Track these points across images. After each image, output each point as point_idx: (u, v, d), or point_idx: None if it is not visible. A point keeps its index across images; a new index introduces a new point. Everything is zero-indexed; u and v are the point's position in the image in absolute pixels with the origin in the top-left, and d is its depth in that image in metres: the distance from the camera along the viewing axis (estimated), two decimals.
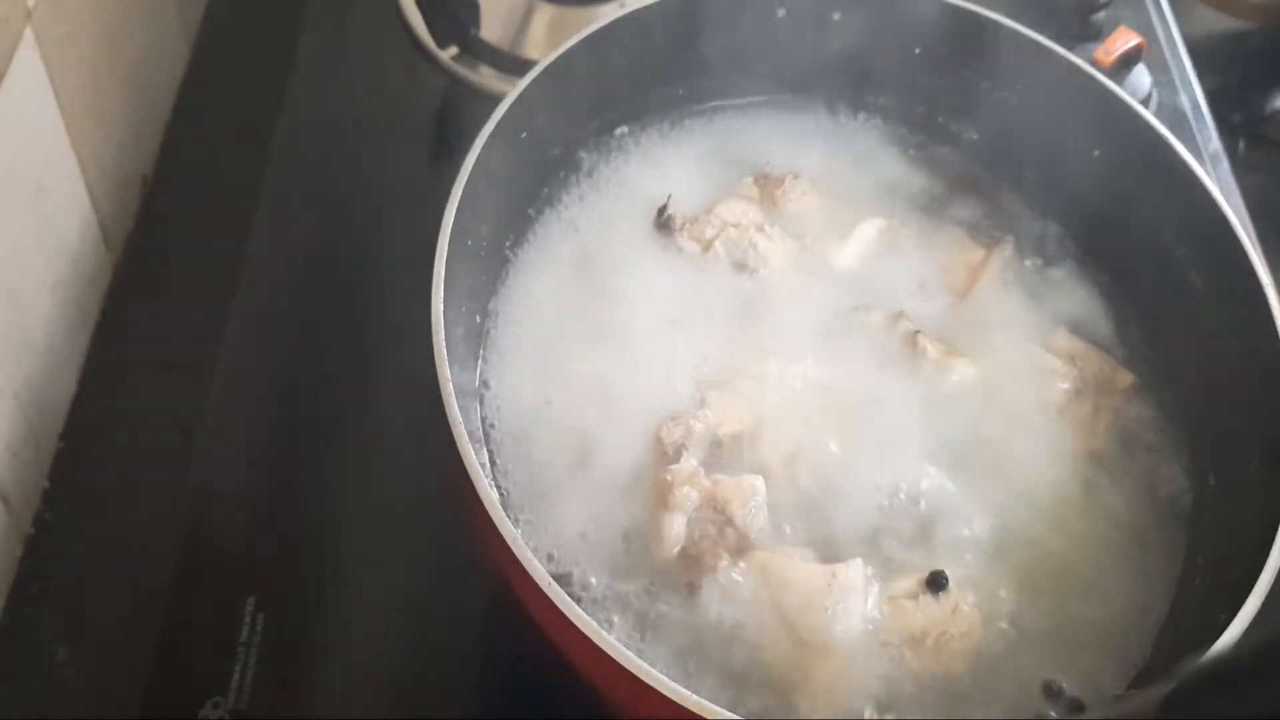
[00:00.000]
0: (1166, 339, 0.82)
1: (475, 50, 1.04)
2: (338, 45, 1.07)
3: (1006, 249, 0.84)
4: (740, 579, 0.69)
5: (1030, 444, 0.77)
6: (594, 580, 0.70)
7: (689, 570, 0.69)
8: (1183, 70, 1.12)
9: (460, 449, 0.63)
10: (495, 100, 0.78)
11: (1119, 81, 0.95)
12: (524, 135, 0.80)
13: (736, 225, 0.83)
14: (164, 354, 0.93)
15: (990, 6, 0.87)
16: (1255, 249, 0.75)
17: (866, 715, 0.66)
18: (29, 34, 0.83)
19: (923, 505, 0.74)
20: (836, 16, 0.89)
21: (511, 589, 0.63)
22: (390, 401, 0.85)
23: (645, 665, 0.57)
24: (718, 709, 0.56)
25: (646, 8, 0.84)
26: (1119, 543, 0.74)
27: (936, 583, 0.69)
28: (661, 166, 0.90)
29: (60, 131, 0.89)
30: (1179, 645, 0.68)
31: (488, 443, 0.75)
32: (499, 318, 0.80)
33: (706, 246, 0.82)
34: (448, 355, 0.65)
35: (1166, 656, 0.69)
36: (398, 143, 1.01)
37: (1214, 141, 1.08)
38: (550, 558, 0.70)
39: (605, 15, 0.83)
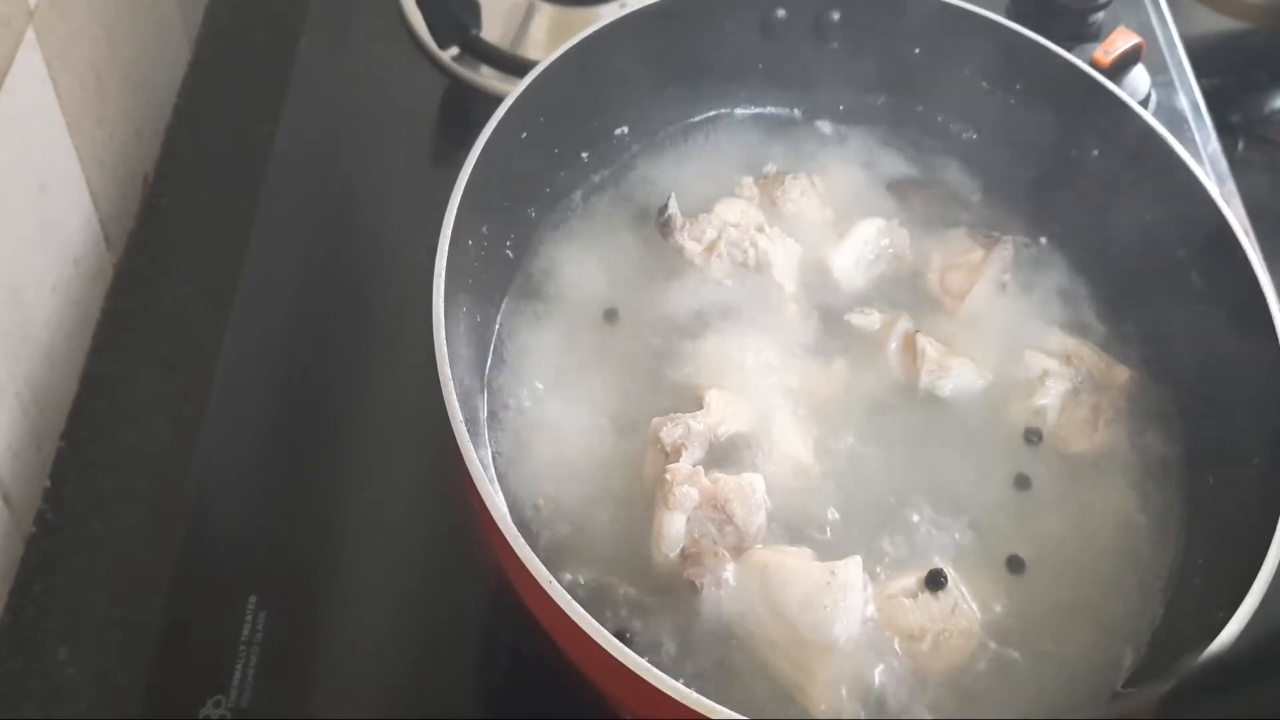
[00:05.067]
0: (1165, 339, 0.81)
1: (476, 50, 1.04)
2: (338, 45, 1.07)
3: (1005, 249, 0.84)
4: (740, 578, 0.69)
5: (1029, 443, 0.78)
6: (595, 579, 0.70)
7: (689, 569, 0.69)
8: (1181, 71, 1.12)
9: (461, 448, 0.63)
10: (496, 100, 0.78)
11: (1118, 82, 0.96)
12: (525, 135, 0.80)
13: (736, 226, 0.83)
14: (165, 353, 0.94)
15: (989, 6, 0.87)
16: (1254, 249, 0.76)
17: (866, 714, 0.67)
18: (30, 35, 0.83)
19: (922, 504, 0.74)
20: (836, 17, 0.89)
21: (513, 588, 0.63)
22: (391, 400, 0.86)
23: (647, 664, 0.56)
24: (719, 708, 0.56)
25: (647, 9, 0.84)
26: (1117, 541, 0.74)
27: (936, 581, 0.70)
28: (661, 167, 0.90)
29: (62, 131, 0.89)
30: (1177, 644, 0.68)
31: (489, 442, 0.75)
32: (499, 317, 0.81)
33: (707, 247, 0.83)
34: (448, 354, 0.65)
35: (1164, 655, 0.69)
36: (398, 143, 1.01)
37: (1213, 141, 1.08)
38: (551, 556, 0.70)
39: (606, 16, 0.83)
